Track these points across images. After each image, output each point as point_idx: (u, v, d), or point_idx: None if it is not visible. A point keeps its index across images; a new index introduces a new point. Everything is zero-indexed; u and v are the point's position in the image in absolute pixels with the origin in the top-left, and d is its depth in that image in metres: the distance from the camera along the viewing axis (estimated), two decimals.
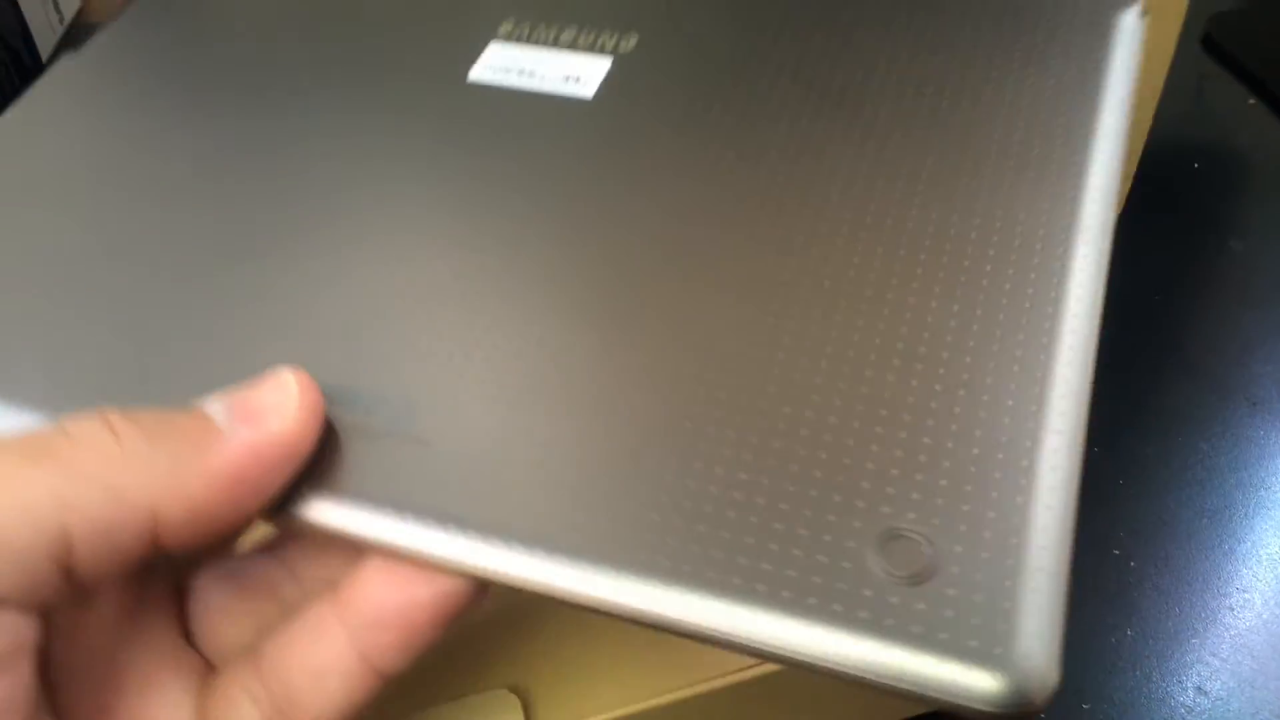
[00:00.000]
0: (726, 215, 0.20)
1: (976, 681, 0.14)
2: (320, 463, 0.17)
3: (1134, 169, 0.45)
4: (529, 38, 0.24)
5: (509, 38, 0.24)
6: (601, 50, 0.24)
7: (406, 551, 0.17)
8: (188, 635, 0.19)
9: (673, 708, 0.26)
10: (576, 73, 0.23)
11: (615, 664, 0.26)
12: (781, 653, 0.15)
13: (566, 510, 0.17)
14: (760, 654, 0.15)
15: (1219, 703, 0.33)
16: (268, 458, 0.16)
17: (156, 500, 0.16)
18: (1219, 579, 0.36)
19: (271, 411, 0.17)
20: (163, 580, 0.20)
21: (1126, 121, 0.21)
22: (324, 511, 0.17)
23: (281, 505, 0.17)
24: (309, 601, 0.18)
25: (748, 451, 0.17)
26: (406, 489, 0.17)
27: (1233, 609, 0.35)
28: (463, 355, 0.19)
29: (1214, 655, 0.34)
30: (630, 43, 0.24)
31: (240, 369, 0.18)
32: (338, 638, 0.17)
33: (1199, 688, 0.33)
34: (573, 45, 0.24)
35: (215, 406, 0.17)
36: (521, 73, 0.23)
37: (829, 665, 0.15)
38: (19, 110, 0.23)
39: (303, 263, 0.20)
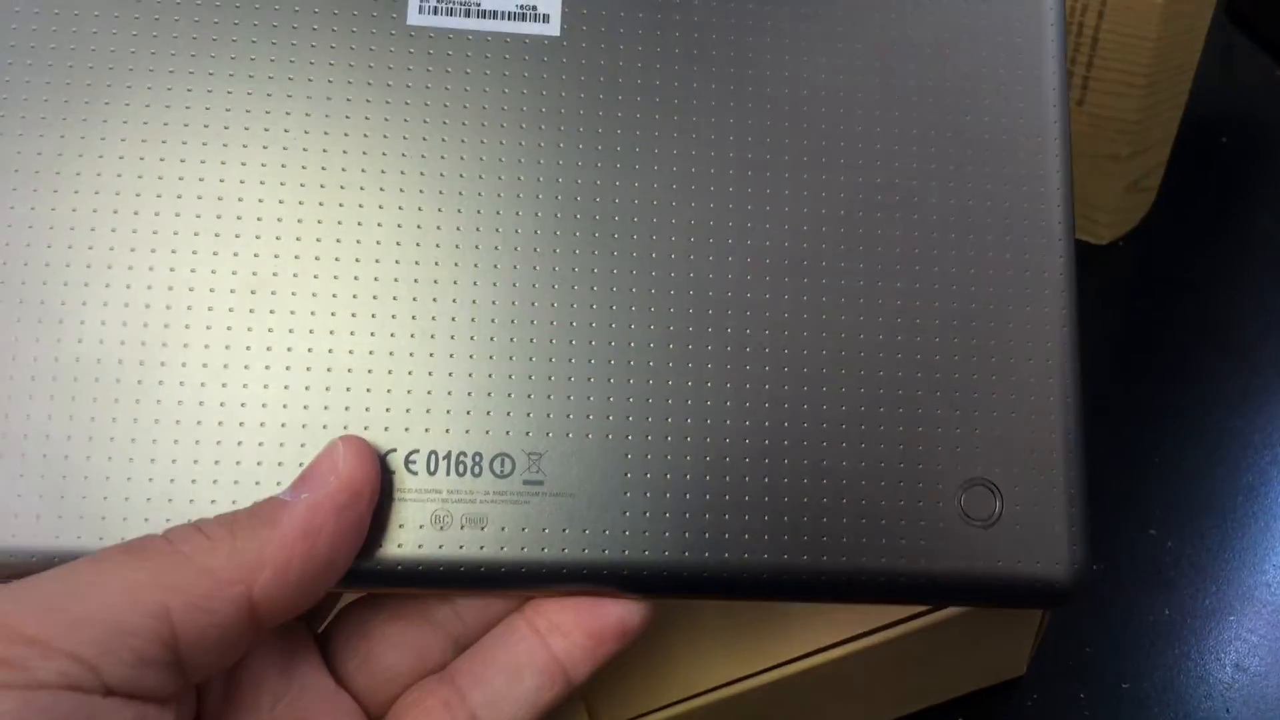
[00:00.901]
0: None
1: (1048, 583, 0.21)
2: (476, 527, 0.20)
3: (1168, 153, 0.44)
4: None
5: None
6: None
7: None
8: (337, 677, 0.21)
9: (735, 698, 0.27)
10: (530, 1, 0.22)
11: (675, 658, 0.27)
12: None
13: (699, 518, 0.20)
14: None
15: (1257, 679, 0.33)
16: (328, 509, 0.19)
17: (244, 572, 0.18)
18: (1255, 556, 0.36)
19: (327, 474, 0.19)
20: (303, 633, 0.21)
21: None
22: (498, 571, 0.20)
23: (449, 572, 0.20)
24: (467, 619, 0.21)
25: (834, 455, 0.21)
26: (558, 537, 0.20)
27: (1269, 585, 0.35)
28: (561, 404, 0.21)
29: (1251, 632, 0.34)
30: None
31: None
32: (531, 640, 0.20)
33: (1237, 664, 0.33)
34: None
35: (283, 490, 0.20)
36: (468, 10, 0.22)
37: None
38: None
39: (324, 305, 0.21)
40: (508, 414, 0.21)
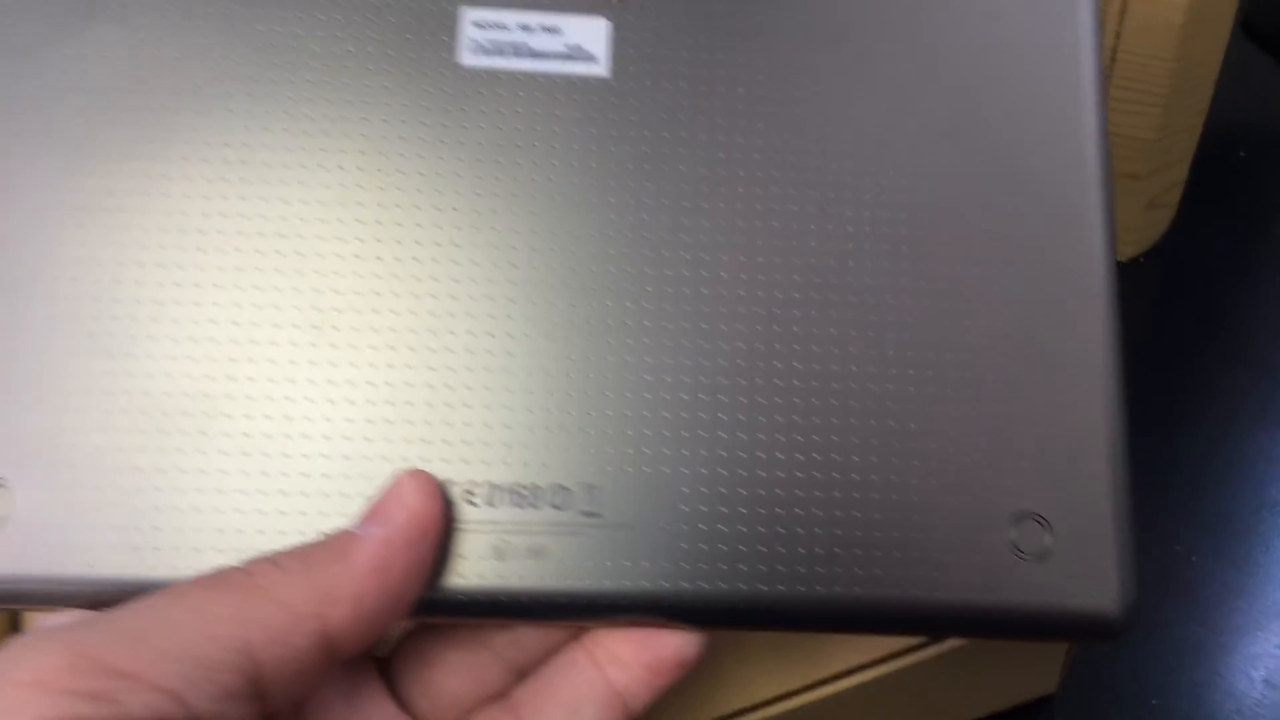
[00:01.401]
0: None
1: (1099, 617, 0.21)
2: (536, 558, 0.21)
3: (1187, 170, 0.45)
4: None
5: None
6: (583, 2, 0.23)
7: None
8: (399, 703, 0.22)
9: (780, 716, 0.28)
10: (578, 41, 0.23)
11: (723, 673, 0.28)
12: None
13: (753, 550, 0.21)
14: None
15: None
16: (399, 543, 0.19)
17: (320, 605, 0.19)
18: None
19: (395, 508, 0.20)
20: (366, 660, 0.22)
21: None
22: (558, 603, 0.21)
23: (510, 603, 0.21)
24: (524, 645, 0.22)
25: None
26: (616, 568, 0.21)
27: None
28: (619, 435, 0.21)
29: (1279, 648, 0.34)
30: None
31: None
32: (591, 672, 0.21)
33: (1267, 680, 0.34)
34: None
35: (353, 525, 0.20)
36: (518, 51, 0.22)
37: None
38: None
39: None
40: (565, 447, 0.21)
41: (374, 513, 0.20)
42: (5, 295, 0.21)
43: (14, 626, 0.28)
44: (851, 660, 0.28)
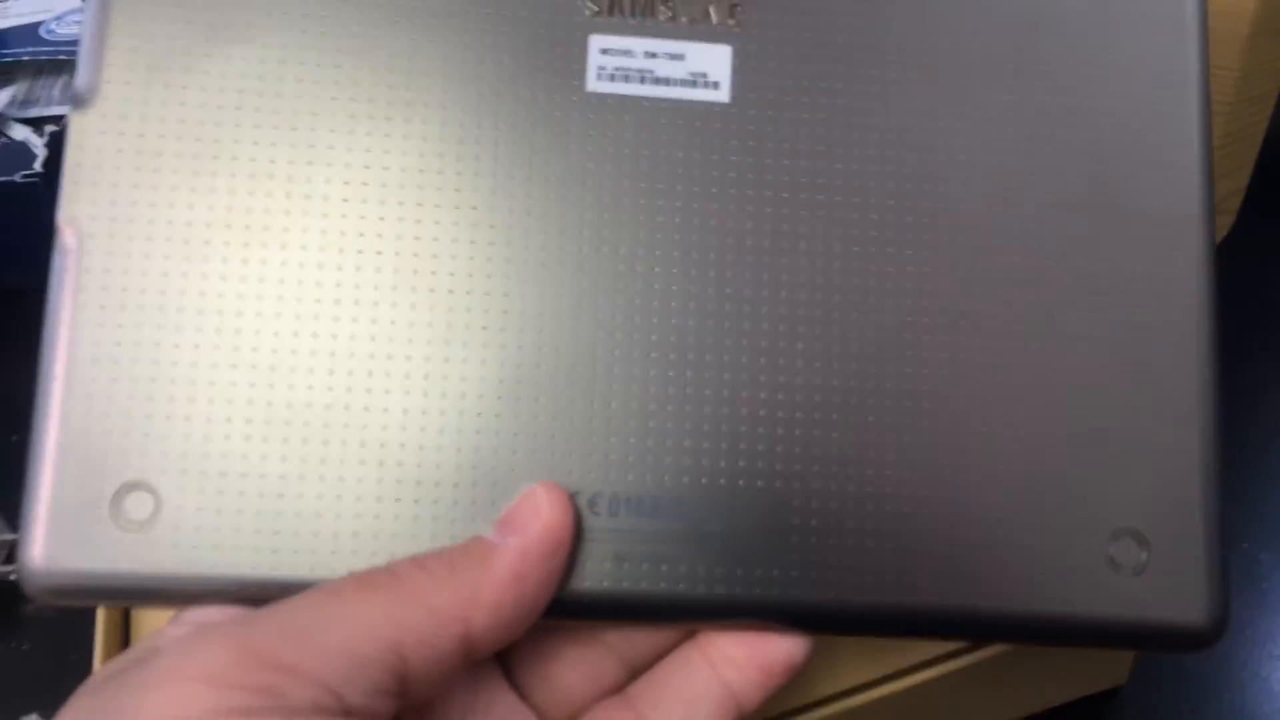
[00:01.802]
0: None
1: (1190, 630, 0.22)
2: (656, 564, 0.22)
3: (1248, 177, 0.45)
4: (624, 15, 0.23)
5: (598, 15, 0.23)
6: (708, 29, 0.23)
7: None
8: (519, 692, 0.23)
9: (865, 705, 0.28)
10: (702, 68, 0.23)
11: (821, 655, 0.29)
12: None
13: (859, 559, 0.22)
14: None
15: None
16: (536, 554, 0.20)
17: (463, 611, 0.19)
18: None
19: (530, 519, 0.21)
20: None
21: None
22: (675, 606, 0.22)
23: (632, 606, 0.22)
24: (639, 643, 0.22)
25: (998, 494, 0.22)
26: (730, 575, 0.22)
27: None
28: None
29: None
30: (735, 15, 0.23)
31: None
32: (706, 671, 0.22)
33: None
34: (674, 22, 0.23)
35: (489, 531, 0.21)
36: (643, 77, 0.23)
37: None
38: None
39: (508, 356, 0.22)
40: (682, 459, 0.22)
41: (510, 522, 0.21)
42: (155, 309, 0.22)
43: (125, 623, 0.30)
44: (934, 650, 0.29)
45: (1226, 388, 0.23)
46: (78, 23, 0.43)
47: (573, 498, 0.22)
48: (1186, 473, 0.23)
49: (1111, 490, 0.23)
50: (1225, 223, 0.46)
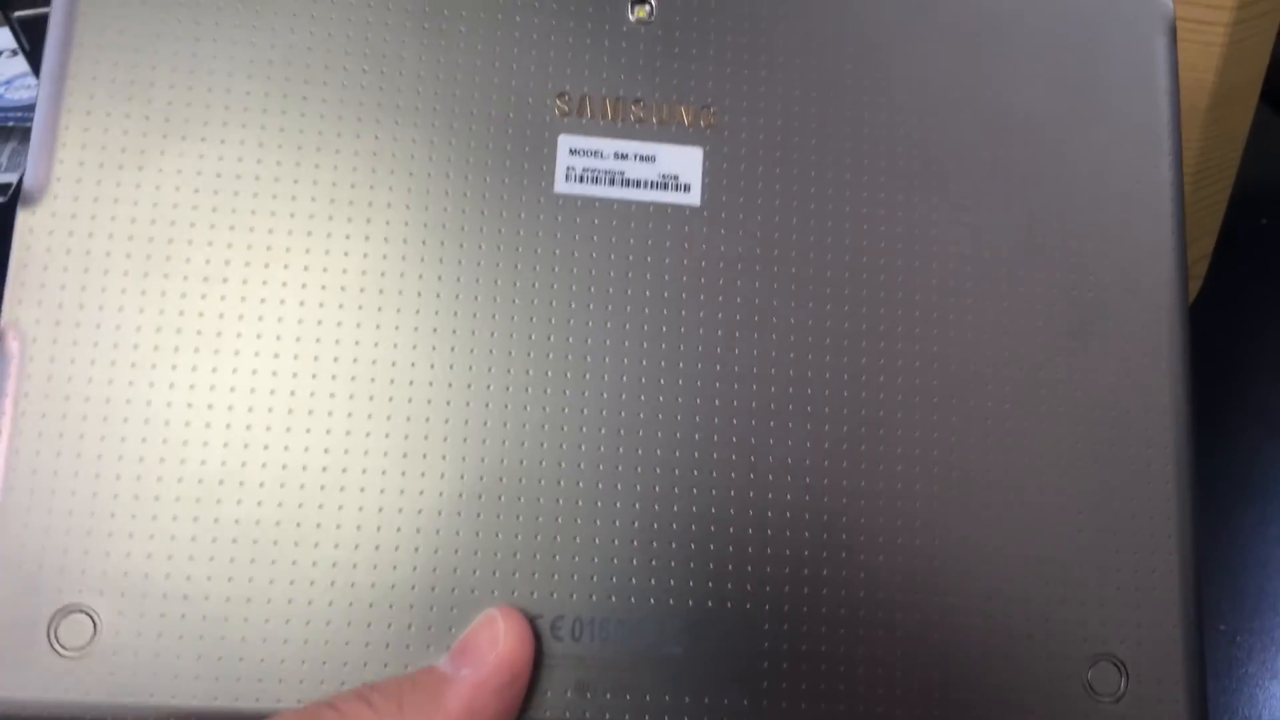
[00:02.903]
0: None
1: None
2: (621, 694, 0.21)
3: (1214, 242, 0.45)
4: (594, 116, 0.23)
5: (566, 115, 0.22)
6: (680, 131, 0.23)
7: None
8: None
9: None
10: (673, 170, 0.23)
11: None
12: None
13: (838, 684, 0.21)
14: None
15: None
16: (491, 687, 0.19)
17: None
18: None
19: (486, 649, 0.20)
20: None
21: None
22: None
23: None
24: None
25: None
26: (698, 706, 0.21)
27: None
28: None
29: None
30: (706, 116, 0.23)
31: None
32: None
33: None
34: (645, 123, 0.23)
35: (442, 660, 0.20)
36: (612, 179, 0.22)
37: None
38: None
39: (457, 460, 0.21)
40: (648, 580, 0.21)
41: (465, 651, 0.20)
42: (99, 419, 0.21)
43: None
44: None
45: (1202, 459, 0.23)
46: (28, 88, 0.43)
47: (533, 622, 0.21)
48: (1165, 598, 0.22)
49: (1090, 616, 0.22)
50: (1193, 287, 0.46)
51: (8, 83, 0.43)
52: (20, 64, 0.42)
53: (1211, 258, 0.46)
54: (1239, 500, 0.40)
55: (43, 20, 0.38)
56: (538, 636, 0.20)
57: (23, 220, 0.21)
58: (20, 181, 0.39)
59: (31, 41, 0.38)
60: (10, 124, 0.41)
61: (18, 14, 0.38)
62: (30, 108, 0.42)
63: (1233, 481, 0.41)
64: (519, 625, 0.20)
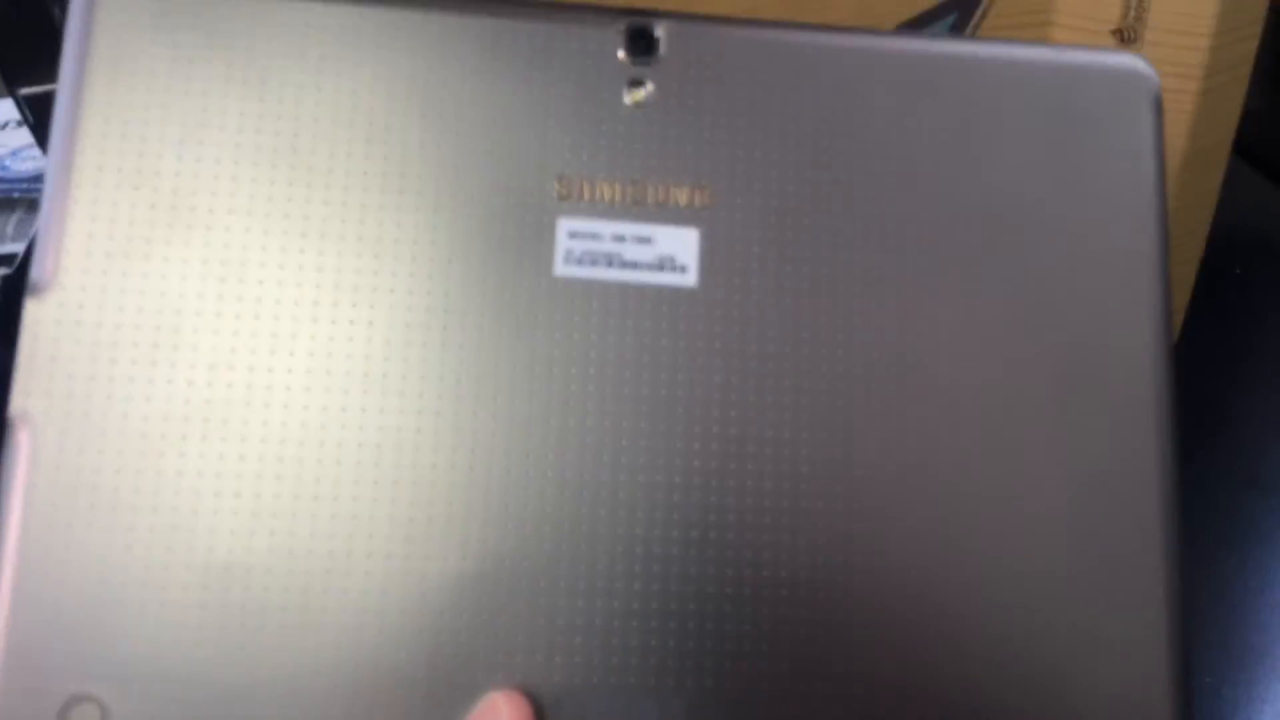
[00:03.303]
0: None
1: None
2: None
3: (1188, 296, 0.46)
4: (592, 198, 0.23)
5: (566, 198, 0.23)
6: (676, 212, 0.23)
7: None
8: None
9: None
10: (670, 252, 0.23)
11: None
12: None
13: None
14: None
15: None
16: None
17: None
18: None
19: None
20: None
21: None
22: None
23: None
24: None
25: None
26: None
27: None
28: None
29: None
30: (703, 197, 0.23)
31: None
32: None
33: None
34: (641, 205, 0.23)
35: None
36: (610, 261, 0.23)
37: None
38: None
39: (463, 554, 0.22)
40: (649, 659, 0.21)
41: None
42: (108, 508, 0.21)
43: None
44: None
45: (1184, 510, 0.23)
46: (33, 159, 0.43)
47: (536, 703, 0.21)
48: (1153, 669, 0.22)
49: (1074, 686, 0.22)
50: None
51: (14, 153, 0.44)
52: (26, 134, 0.42)
53: (1187, 309, 0.46)
54: (1220, 550, 0.41)
55: (48, 97, 0.38)
56: (541, 717, 0.21)
57: (31, 310, 0.21)
58: (28, 251, 0.39)
59: (36, 116, 0.39)
60: (16, 195, 0.42)
61: (24, 91, 0.38)
62: (35, 179, 0.42)
63: (1214, 531, 0.42)
64: (520, 708, 0.20)
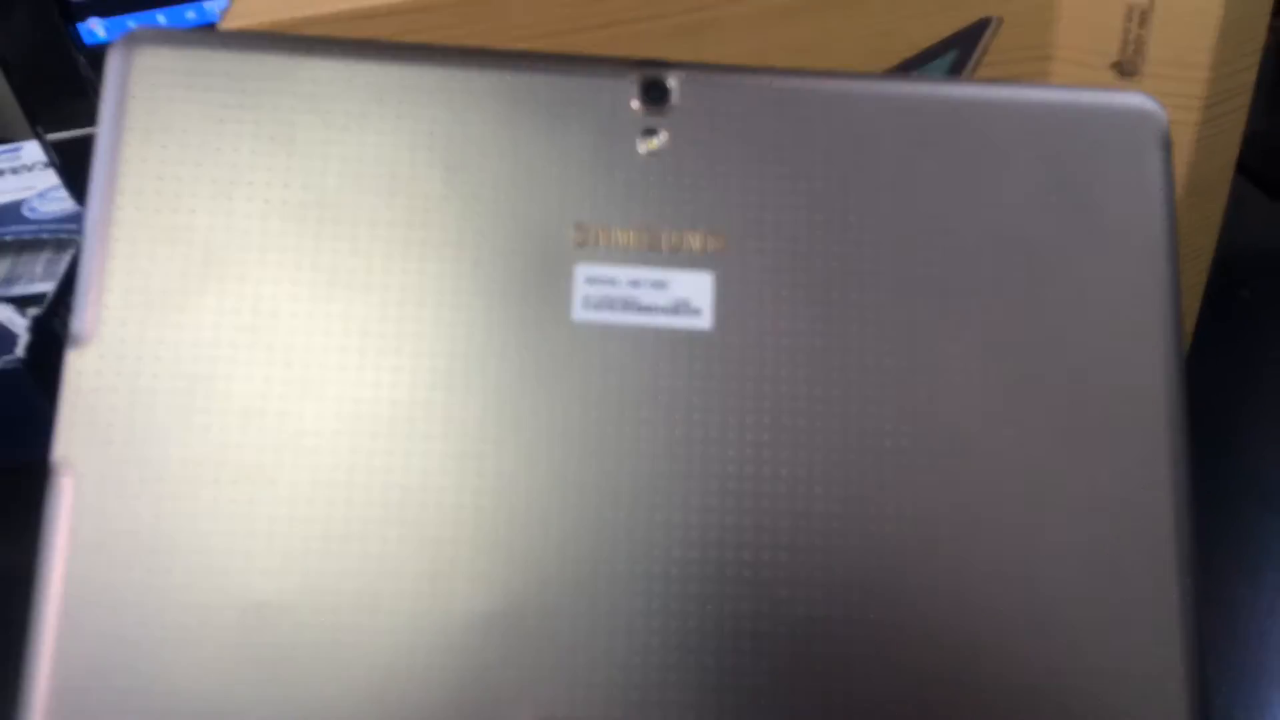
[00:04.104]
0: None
1: None
2: None
3: (1194, 320, 0.46)
4: (609, 244, 0.24)
5: (583, 245, 0.24)
6: (690, 257, 0.24)
7: None
8: None
9: None
10: (684, 296, 0.24)
11: None
12: None
13: None
14: None
15: None
16: None
17: None
18: None
19: None
20: None
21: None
22: None
23: None
24: None
25: None
26: None
27: None
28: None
29: None
30: (716, 242, 0.24)
31: None
32: None
33: None
34: (657, 250, 0.24)
35: None
36: (627, 306, 0.24)
37: None
38: None
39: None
40: (668, 693, 0.22)
41: None
42: (147, 551, 0.22)
43: None
44: None
45: (1200, 534, 0.24)
46: (60, 200, 0.44)
47: None
48: (1169, 688, 0.23)
49: (1090, 703, 0.22)
50: None
51: (41, 195, 0.45)
52: (54, 176, 0.44)
53: (1194, 334, 0.47)
54: (1233, 573, 0.41)
55: (75, 142, 0.40)
56: None
57: (72, 361, 0.22)
58: (58, 291, 0.40)
59: (63, 159, 0.40)
60: (45, 235, 0.43)
61: (51, 136, 0.39)
62: (63, 220, 0.43)
63: (1226, 554, 0.42)
64: None
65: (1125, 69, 0.40)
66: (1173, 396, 0.24)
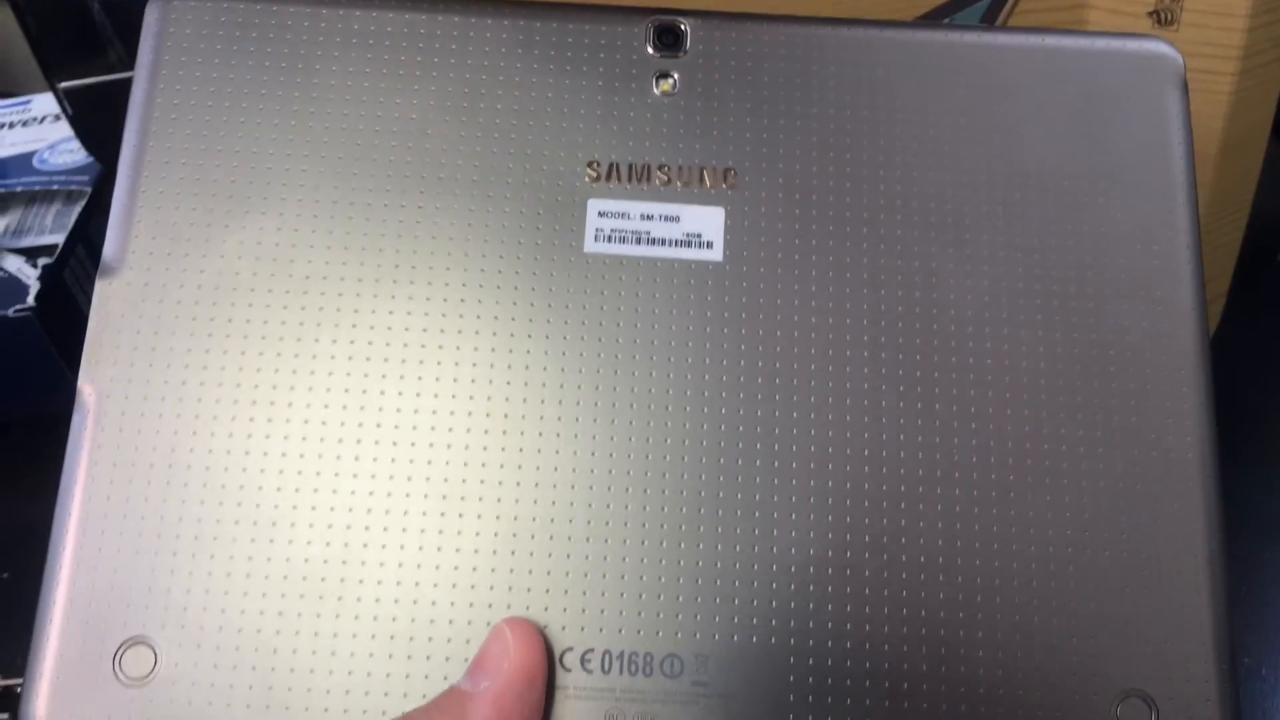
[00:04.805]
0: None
1: None
2: None
3: (1229, 282, 0.47)
4: (620, 180, 0.26)
5: (596, 181, 0.26)
6: (702, 194, 0.26)
7: None
8: None
9: None
10: (696, 229, 0.26)
11: None
12: None
13: None
14: None
15: None
16: (511, 694, 0.22)
17: None
18: None
19: (500, 659, 0.22)
20: None
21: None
22: None
23: None
24: None
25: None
26: None
27: None
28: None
29: None
30: (728, 180, 0.26)
31: None
32: None
33: None
34: (669, 186, 0.26)
35: (462, 679, 0.22)
36: (639, 239, 0.25)
37: None
38: None
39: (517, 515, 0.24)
40: (678, 616, 0.23)
41: (479, 665, 0.22)
42: (165, 468, 0.24)
43: None
44: None
45: (1229, 496, 0.24)
46: (70, 152, 0.46)
47: (562, 655, 0.23)
48: (1196, 635, 0.24)
49: (1119, 651, 0.24)
50: (1211, 325, 0.48)
51: (52, 147, 0.47)
52: (64, 128, 0.46)
53: (1229, 295, 0.48)
54: (1262, 533, 0.42)
55: (87, 90, 0.42)
56: (568, 669, 0.23)
57: (101, 289, 0.24)
58: (68, 242, 0.42)
59: (76, 109, 0.42)
60: (55, 187, 0.45)
61: (63, 85, 0.41)
62: (74, 171, 0.46)
63: (1254, 515, 0.43)
64: (527, 632, 0.22)
65: (1163, 17, 0.41)
66: (1196, 331, 0.25)
